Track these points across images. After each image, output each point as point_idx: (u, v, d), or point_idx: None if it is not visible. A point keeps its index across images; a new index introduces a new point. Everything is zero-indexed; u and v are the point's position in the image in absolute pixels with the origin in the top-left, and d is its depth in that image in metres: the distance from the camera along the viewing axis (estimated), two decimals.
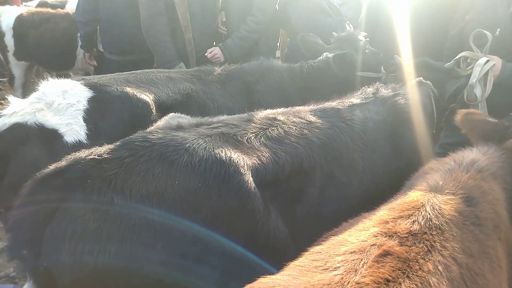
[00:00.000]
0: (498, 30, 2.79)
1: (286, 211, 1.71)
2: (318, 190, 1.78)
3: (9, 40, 5.21)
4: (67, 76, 6.04)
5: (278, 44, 5.02)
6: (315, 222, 1.77)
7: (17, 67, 5.43)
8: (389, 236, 1.29)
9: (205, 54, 3.72)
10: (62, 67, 5.56)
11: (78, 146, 1.87)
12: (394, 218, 1.39)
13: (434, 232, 1.32)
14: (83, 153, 1.45)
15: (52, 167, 1.43)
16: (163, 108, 2.19)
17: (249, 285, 1.13)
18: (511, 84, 2.70)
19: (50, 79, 2.03)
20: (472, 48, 2.75)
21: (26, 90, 5.80)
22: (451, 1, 3.22)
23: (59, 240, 1.34)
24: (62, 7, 5.93)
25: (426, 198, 1.46)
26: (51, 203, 1.36)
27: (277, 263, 1.60)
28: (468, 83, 2.62)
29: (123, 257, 1.35)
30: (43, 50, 5.23)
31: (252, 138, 1.70)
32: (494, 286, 1.32)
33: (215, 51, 3.75)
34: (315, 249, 1.34)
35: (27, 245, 1.40)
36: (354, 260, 1.19)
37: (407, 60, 2.87)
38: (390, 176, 1.97)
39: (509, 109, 2.81)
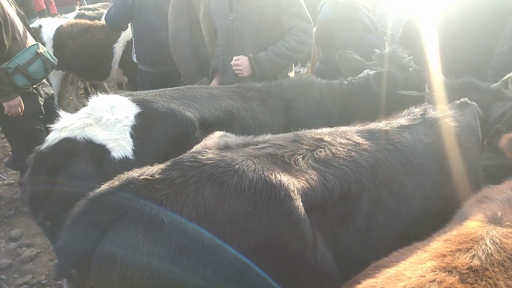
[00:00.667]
0: None
1: (332, 236, 1.66)
2: (365, 216, 1.72)
3: (48, 50, 5.35)
4: (100, 86, 6.21)
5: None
6: (362, 249, 1.72)
7: (54, 76, 5.58)
8: (449, 271, 1.23)
9: (230, 62, 3.21)
10: (97, 77, 5.70)
11: (124, 161, 1.89)
12: (451, 251, 1.32)
13: (497, 269, 1.25)
14: (135, 173, 1.45)
15: (105, 186, 1.43)
16: (206, 125, 2.19)
17: None
18: None
19: (99, 94, 2.06)
20: None
21: (61, 98, 5.97)
22: (497, 21, 3.13)
23: (109, 262, 1.33)
24: (99, 18, 6.09)
25: (485, 230, 1.38)
26: (103, 223, 1.36)
27: None
28: None
29: (172, 280, 1.33)
30: (80, 60, 5.38)
31: (300, 159, 1.67)
32: None
33: (240, 62, 3.13)
34: (369, 282, 1.29)
35: (76, 265, 1.40)
36: None
37: (451, 80, 2.79)
38: (440, 202, 1.90)
39: None
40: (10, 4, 3.59)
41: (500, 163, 3.17)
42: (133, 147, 1.94)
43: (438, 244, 1.39)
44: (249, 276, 1.42)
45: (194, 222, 1.38)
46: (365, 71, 2.85)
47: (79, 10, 6.82)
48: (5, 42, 3.32)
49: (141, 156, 1.92)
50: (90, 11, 6.47)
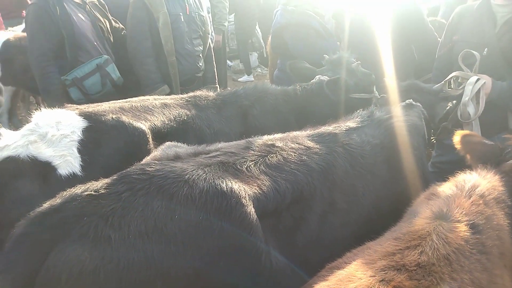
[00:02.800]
0: (485, 50, 2.85)
1: (286, 240, 1.67)
2: (318, 218, 1.75)
3: None
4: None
5: None
6: (316, 251, 1.74)
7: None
8: (397, 269, 1.26)
9: None
10: None
11: (72, 178, 1.81)
12: (400, 249, 1.36)
13: (442, 263, 1.29)
14: (79, 189, 1.40)
15: (46, 205, 1.37)
16: (160, 136, 2.14)
17: None
18: (501, 101, 2.75)
19: (43, 109, 1.98)
20: (461, 68, 2.80)
21: (12, 115, 5.70)
22: (411, 24, 3.41)
23: (54, 283, 1.27)
24: None
25: (432, 226, 1.44)
26: (46, 243, 1.30)
27: None
28: (461, 102, 2.66)
29: None
30: (31, 75, 5.13)
31: (252, 166, 1.67)
32: None
33: None
34: (321, 285, 1.30)
35: None
36: None
37: (396, 83, 2.90)
38: (390, 200, 1.96)
39: (497, 127, 2.84)
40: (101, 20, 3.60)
41: (450, 159, 3.31)
42: (81, 163, 1.87)
43: (388, 243, 1.43)
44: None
45: (143, 236, 1.34)
46: (317, 76, 2.91)
47: None
48: (68, 55, 3.34)
49: (91, 172, 1.85)
50: None
